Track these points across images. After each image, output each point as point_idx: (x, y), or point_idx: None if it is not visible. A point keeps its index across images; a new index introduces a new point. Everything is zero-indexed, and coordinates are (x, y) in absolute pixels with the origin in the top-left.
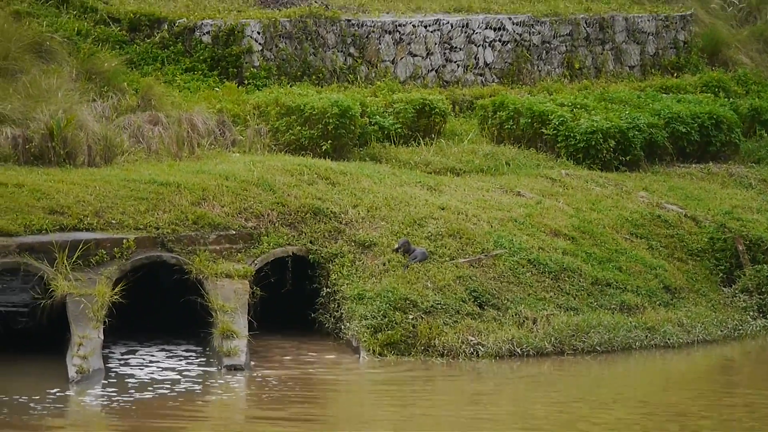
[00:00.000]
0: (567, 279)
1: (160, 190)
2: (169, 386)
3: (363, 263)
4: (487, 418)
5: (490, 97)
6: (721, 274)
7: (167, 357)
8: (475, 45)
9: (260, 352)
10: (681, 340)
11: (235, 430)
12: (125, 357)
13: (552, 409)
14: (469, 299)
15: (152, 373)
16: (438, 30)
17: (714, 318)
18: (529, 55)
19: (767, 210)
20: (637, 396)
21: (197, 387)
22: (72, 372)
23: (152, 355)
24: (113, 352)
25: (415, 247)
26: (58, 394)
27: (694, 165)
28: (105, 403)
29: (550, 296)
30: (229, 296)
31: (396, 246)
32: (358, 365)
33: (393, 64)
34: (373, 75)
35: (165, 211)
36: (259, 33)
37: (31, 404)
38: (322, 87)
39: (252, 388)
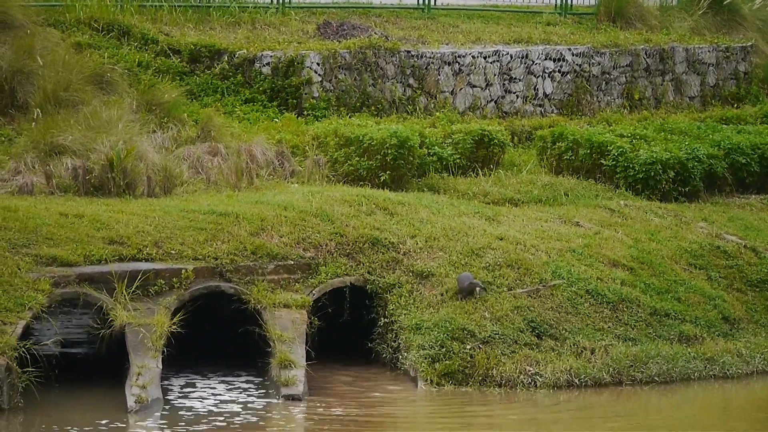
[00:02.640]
0: (625, 309)
1: (218, 220)
2: (227, 417)
3: (421, 293)
4: None
5: (549, 127)
6: None
7: (226, 388)
8: (535, 76)
9: (318, 383)
10: (740, 371)
11: None
12: (184, 389)
13: None
14: (527, 329)
15: (211, 404)
16: (497, 61)
17: None
18: (589, 85)
19: None
20: (695, 426)
21: (254, 418)
22: (131, 401)
23: (212, 387)
24: (172, 384)
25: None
26: (117, 424)
27: (753, 196)
28: None
29: (609, 327)
30: (287, 326)
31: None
32: (415, 395)
33: (452, 95)
34: (432, 106)
35: (223, 242)
36: (318, 64)
37: None
38: (381, 118)
39: (310, 419)
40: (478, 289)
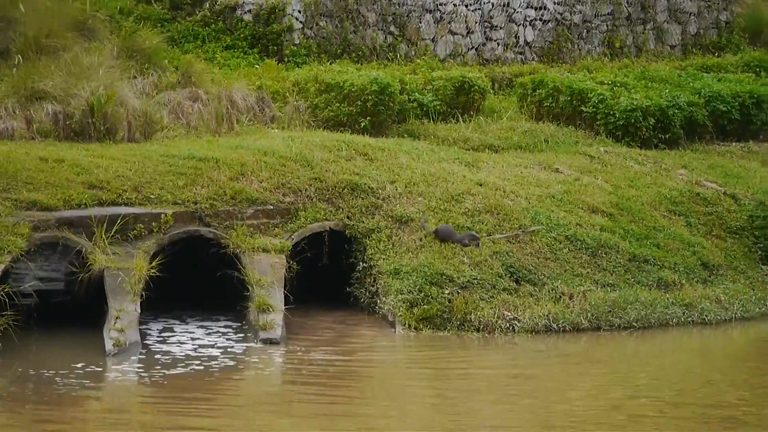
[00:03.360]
0: (604, 255)
1: (198, 165)
2: (205, 361)
3: (400, 238)
4: (523, 393)
5: (530, 75)
6: (759, 252)
7: (205, 333)
8: (516, 24)
9: (296, 327)
10: (718, 317)
11: (269, 404)
12: (163, 333)
13: (589, 384)
14: (506, 275)
15: (189, 349)
16: (479, 9)
17: (752, 295)
18: (570, 34)
19: None
20: (674, 372)
21: (232, 362)
22: (109, 345)
23: (190, 331)
24: (151, 329)
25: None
26: (93, 367)
27: (734, 143)
28: (140, 376)
29: (587, 272)
30: (266, 270)
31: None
32: (393, 340)
33: (433, 42)
34: (413, 53)
35: (203, 186)
36: (299, 11)
37: (65, 377)
38: (361, 64)
39: (288, 363)
40: (477, 241)
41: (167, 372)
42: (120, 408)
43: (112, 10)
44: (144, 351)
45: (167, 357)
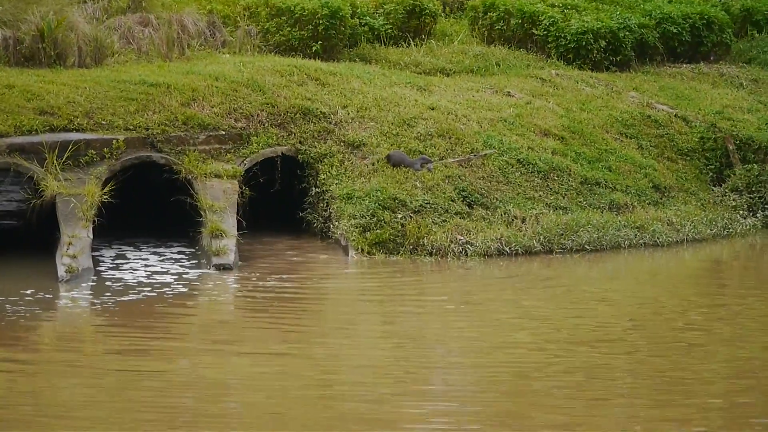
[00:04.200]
0: (556, 178)
1: (149, 91)
2: (157, 287)
3: (352, 163)
4: (471, 320)
5: None
6: (710, 174)
7: (158, 259)
8: None
9: (249, 252)
10: (670, 239)
11: (222, 330)
12: (116, 260)
13: (542, 305)
14: (458, 199)
15: (142, 275)
16: None
17: (703, 217)
18: None
19: (758, 110)
20: (625, 295)
21: (185, 288)
22: (61, 271)
23: (143, 258)
24: (103, 256)
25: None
26: (44, 294)
27: (685, 65)
28: (92, 302)
29: (539, 196)
30: (218, 196)
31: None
32: (346, 264)
33: None
34: None
35: (155, 112)
36: None
37: (16, 304)
38: None
39: (241, 288)
40: (429, 165)
41: (119, 298)
42: (71, 335)
43: None
44: (96, 277)
45: (119, 284)
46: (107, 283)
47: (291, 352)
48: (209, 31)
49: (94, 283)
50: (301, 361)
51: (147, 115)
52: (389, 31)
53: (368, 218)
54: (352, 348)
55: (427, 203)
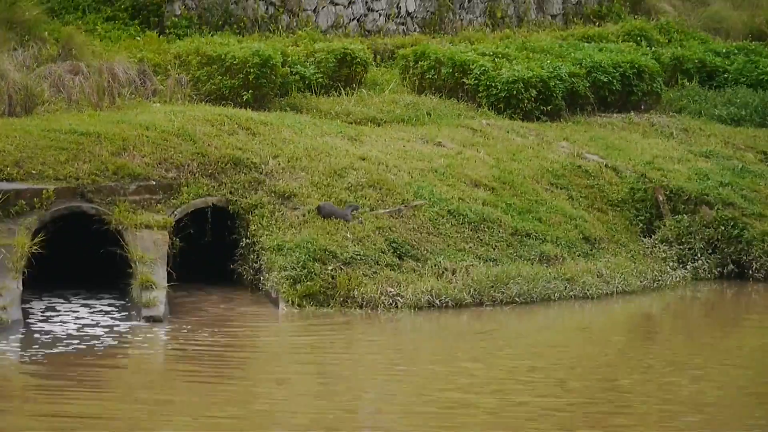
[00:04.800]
0: (487, 230)
1: (80, 140)
2: (86, 340)
3: (283, 214)
4: (406, 369)
5: (412, 46)
6: (641, 225)
7: (88, 311)
8: None
9: (180, 304)
10: (600, 291)
11: (151, 383)
12: (46, 312)
13: (472, 359)
14: (389, 250)
15: (72, 328)
16: None
17: (633, 268)
18: (451, 4)
19: (688, 160)
20: (556, 347)
21: (115, 341)
22: None
23: (74, 310)
24: (33, 308)
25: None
26: None
27: (615, 114)
28: (20, 354)
29: (470, 247)
30: (149, 247)
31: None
32: (277, 316)
33: (315, 13)
34: (295, 24)
35: (85, 162)
36: None
37: None
38: (243, 36)
39: (172, 341)
40: (358, 212)
41: (48, 351)
42: None
43: None
44: (25, 330)
45: (48, 336)
46: (36, 336)
47: (223, 408)
48: (140, 79)
49: (23, 336)
50: (233, 422)
51: (77, 164)
52: (320, 80)
53: (299, 270)
54: (285, 403)
55: (357, 255)
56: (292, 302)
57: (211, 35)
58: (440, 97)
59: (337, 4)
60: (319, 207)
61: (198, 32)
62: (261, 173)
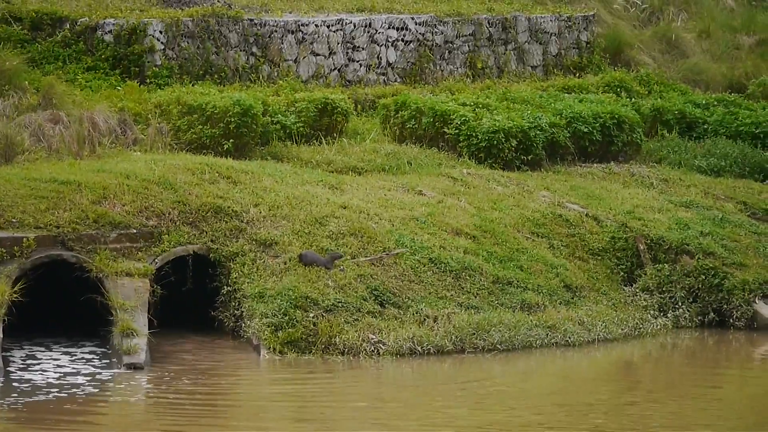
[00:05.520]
0: (468, 278)
1: (60, 188)
2: (67, 388)
3: (264, 262)
4: (387, 417)
5: (393, 96)
6: (622, 273)
7: (69, 359)
8: (378, 45)
9: (161, 352)
10: (582, 339)
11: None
12: (26, 361)
13: (453, 406)
14: (371, 298)
15: (52, 376)
16: (341, 29)
17: (615, 317)
18: (432, 54)
19: (668, 210)
20: (538, 395)
21: (96, 389)
22: None
23: (54, 358)
24: (14, 356)
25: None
26: None
27: (595, 165)
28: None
29: (451, 295)
30: (130, 294)
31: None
32: (258, 364)
33: (295, 63)
34: (276, 74)
35: (65, 210)
36: (161, 32)
37: None
38: (224, 86)
39: (153, 388)
40: (340, 260)
41: (28, 399)
42: None
43: None
44: (5, 378)
45: (28, 384)
46: (15, 384)
47: None
48: (120, 128)
49: (2, 384)
50: None
51: (58, 213)
52: (301, 129)
53: (280, 317)
54: None
55: (339, 302)
56: (274, 349)
57: (192, 85)
58: (421, 146)
59: (317, 55)
60: (301, 255)
61: (179, 82)
62: (242, 221)
